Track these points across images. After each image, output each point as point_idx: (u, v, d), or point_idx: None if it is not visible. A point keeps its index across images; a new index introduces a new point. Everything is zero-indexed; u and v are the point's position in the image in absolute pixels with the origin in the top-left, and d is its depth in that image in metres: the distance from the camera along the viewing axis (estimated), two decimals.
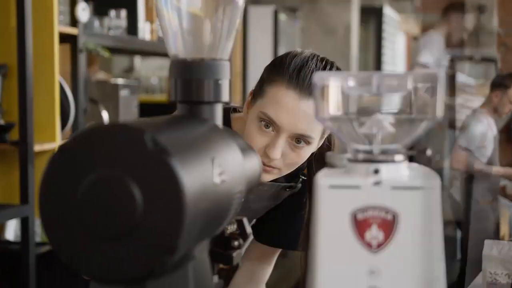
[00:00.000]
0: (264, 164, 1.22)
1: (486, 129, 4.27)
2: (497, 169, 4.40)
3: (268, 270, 1.54)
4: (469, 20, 4.47)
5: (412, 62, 4.49)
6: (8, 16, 2.45)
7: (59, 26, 2.57)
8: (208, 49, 0.73)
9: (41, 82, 2.50)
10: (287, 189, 1.39)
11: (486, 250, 1.80)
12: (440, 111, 0.63)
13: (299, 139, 1.22)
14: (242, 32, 4.90)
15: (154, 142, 0.57)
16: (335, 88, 0.66)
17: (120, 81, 3.29)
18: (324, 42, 5.73)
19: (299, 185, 1.40)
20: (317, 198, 0.64)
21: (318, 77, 0.66)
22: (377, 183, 0.63)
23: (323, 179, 0.64)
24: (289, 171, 1.27)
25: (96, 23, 3.02)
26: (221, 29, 0.73)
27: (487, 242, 1.83)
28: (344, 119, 0.66)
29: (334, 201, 0.63)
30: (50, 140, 2.54)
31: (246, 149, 0.78)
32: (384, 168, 0.64)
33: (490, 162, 4.36)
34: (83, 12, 2.65)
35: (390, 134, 0.65)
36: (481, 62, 7.43)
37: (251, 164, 0.77)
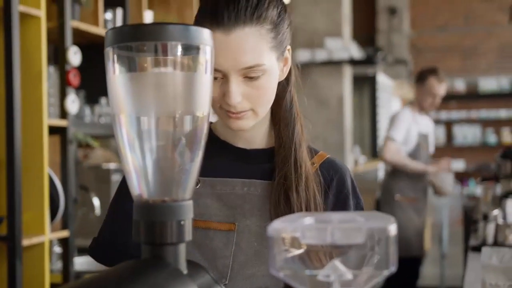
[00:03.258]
0: (232, 113, 1.15)
1: (410, 123, 4.29)
2: (416, 165, 4.27)
3: None
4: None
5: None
6: None
7: (49, 118, 2.59)
8: (171, 190, 0.73)
9: (30, 175, 2.50)
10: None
11: (484, 259, 1.56)
12: (393, 264, 0.63)
13: (251, 72, 1.12)
14: None
15: None
16: (290, 239, 0.66)
17: (112, 165, 3.30)
18: (317, 113, 5.78)
19: None
20: None
21: (273, 229, 0.66)
22: None
23: None
24: (265, 109, 1.19)
25: (88, 110, 3.05)
26: (182, 170, 0.74)
27: (485, 250, 1.59)
28: (300, 268, 0.66)
29: None
30: (39, 233, 2.52)
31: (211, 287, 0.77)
32: None
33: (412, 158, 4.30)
34: (73, 104, 2.68)
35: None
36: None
37: None
